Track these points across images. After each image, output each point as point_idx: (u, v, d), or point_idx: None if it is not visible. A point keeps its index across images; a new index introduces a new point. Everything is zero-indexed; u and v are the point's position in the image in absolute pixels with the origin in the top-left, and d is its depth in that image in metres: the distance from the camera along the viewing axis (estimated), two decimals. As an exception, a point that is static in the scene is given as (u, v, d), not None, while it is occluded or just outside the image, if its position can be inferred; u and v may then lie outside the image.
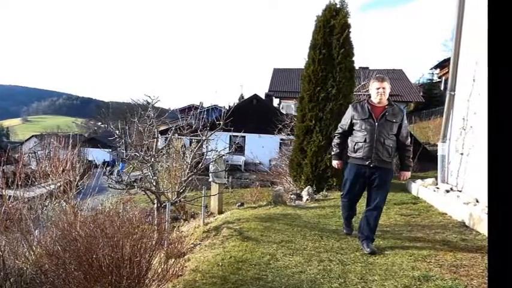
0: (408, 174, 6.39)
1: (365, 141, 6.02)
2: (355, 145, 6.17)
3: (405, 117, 6.21)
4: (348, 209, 6.86)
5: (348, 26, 13.06)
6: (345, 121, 6.41)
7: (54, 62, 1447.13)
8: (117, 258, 4.59)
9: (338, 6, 13.30)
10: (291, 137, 17.70)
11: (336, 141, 6.59)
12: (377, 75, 6.37)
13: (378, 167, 6.00)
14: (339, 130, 6.52)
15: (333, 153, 6.72)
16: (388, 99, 6.16)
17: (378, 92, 6.04)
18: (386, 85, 6.08)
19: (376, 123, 5.98)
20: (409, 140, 6.26)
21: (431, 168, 13.09)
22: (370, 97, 6.27)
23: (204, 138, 10.84)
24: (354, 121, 6.21)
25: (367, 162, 6.03)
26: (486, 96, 2.22)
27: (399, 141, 6.13)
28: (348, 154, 6.37)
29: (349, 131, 6.33)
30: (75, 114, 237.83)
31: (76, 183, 9.35)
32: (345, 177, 6.54)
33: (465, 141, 8.95)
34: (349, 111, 6.35)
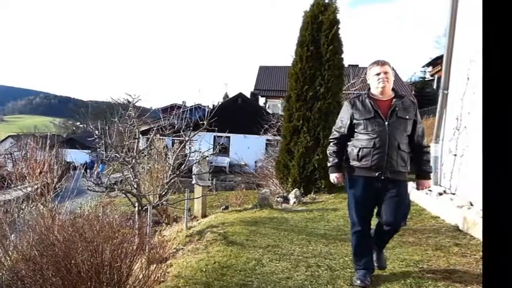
0: (428, 183, 5.15)
1: (374, 146, 4.71)
2: (359, 151, 4.80)
3: (418, 110, 5.01)
4: (362, 243, 5.03)
5: (337, 22, 13.10)
6: (342, 123, 5.05)
7: (31, 59, 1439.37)
8: (97, 263, 4.56)
9: (326, 1, 13.36)
10: (278, 137, 17.74)
11: (331, 148, 5.16)
12: (375, 60, 5.03)
13: (391, 179, 4.75)
14: (335, 135, 5.14)
15: (329, 164, 5.21)
16: (393, 89, 4.97)
17: (379, 79, 4.82)
18: (389, 69, 4.88)
19: (387, 123, 4.71)
20: (425, 139, 5.08)
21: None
22: (369, 89, 5.05)
23: (187, 138, 10.80)
24: (355, 121, 4.90)
25: (376, 174, 4.74)
26: (481, 95, 2.19)
27: (413, 142, 4.90)
28: (348, 163, 5.01)
29: (349, 134, 4.99)
30: (52, 113, 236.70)
31: (54, 185, 9.28)
32: (350, 197, 5.08)
33: (459, 141, 8.95)
34: (346, 110, 5.04)
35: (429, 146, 5.21)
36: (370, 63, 5.05)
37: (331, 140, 5.21)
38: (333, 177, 5.16)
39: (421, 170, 5.02)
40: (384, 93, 4.86)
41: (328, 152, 5.23)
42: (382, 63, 4.88)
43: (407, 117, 4.79)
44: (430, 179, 5.16)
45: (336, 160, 5.10)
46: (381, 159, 4.68)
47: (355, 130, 4.91)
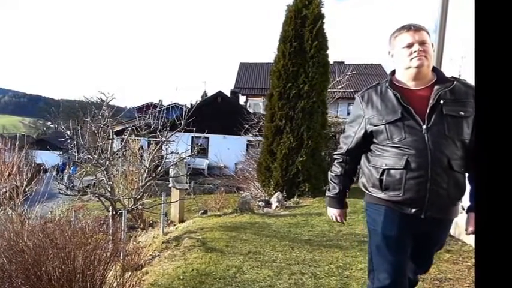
0: None
1: (407, 167, 2.84)
2: (382, 175, 2.96)
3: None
4: None
5: (322, 17, 13.13)
6: (351, 130, 3.24)
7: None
8: (68, 271, 4.51)
9: (311, -6, 13.31)
10: (259, 138, 17.72)
11: (335, 170, 3.37)
12: (403, 24, 3.04)
13: (437, 219, 3.03)
14: (340, 148, 3.35)
15: (328, 193, 3.45)
16: (434, 68, 3.05)
17: (412, 54, 2.89)
18: (428, 38, 2.94)
19: (425, 127, 2.83)
20: None
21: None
22: (393, 74, 3.13)
23: (163, 139, 10.74)
24: (371, 128, 3.03)
25: (413, 211, 2.91)
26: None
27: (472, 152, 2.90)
28: (367, 191, 3.15)
29: (360, 148, 3.21)
30: (22, 113, 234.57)
31: (23, 188, 9.21)
32: (371, 233, 3.20)
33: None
34: (358, 109, 3.17)
35: None
36: (394, 30, 3.09)
37: (336, 157, 3.41)
38: (332, 213, 3.50)
39: None
40: (420, 78, 2.96)
41: (329, 174, 3.46)
42: (415, 28, 2.94)
43: (461, 113, 2.84)
44: None
45: (337, 189, 3.36)
46: (421, 188, 2.84)
47: (375, 141, 3.08)
